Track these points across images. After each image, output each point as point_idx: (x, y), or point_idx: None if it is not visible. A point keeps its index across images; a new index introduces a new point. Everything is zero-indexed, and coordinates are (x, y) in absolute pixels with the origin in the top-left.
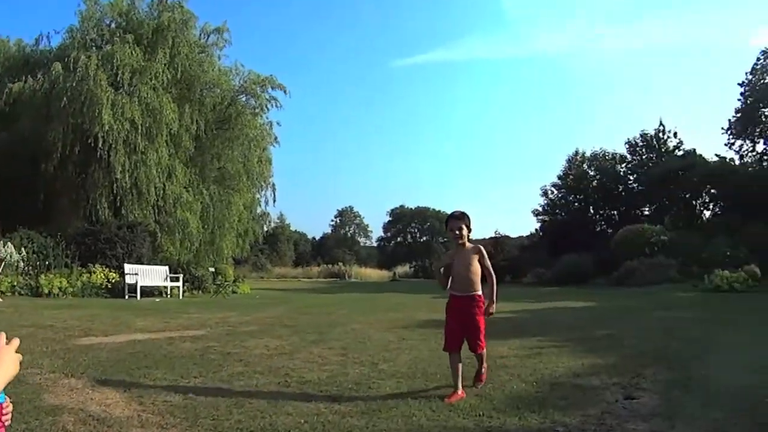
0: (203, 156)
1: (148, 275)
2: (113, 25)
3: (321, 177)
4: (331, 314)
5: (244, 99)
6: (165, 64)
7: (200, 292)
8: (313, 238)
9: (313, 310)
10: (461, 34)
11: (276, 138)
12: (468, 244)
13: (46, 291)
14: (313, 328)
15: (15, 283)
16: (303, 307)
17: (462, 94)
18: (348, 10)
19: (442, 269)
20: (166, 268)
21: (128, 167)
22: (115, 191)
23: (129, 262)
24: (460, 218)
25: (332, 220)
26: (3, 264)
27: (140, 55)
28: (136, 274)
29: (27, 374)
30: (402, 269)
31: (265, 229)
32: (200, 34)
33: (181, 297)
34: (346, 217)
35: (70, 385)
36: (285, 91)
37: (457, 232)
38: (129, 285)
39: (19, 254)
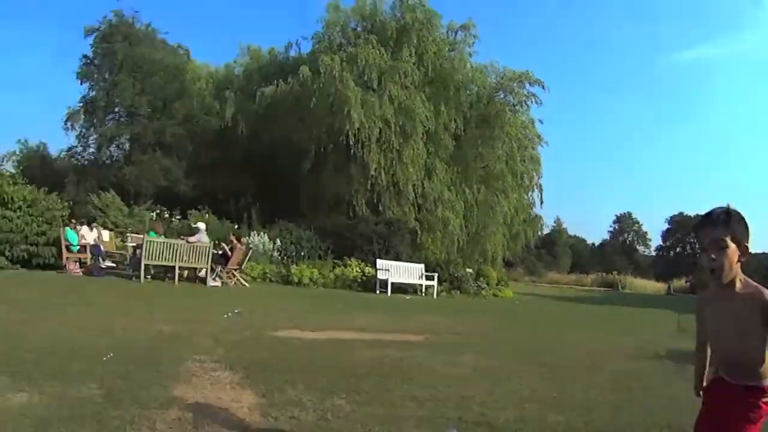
0: (465, 155)
1: (401, 272)
2: (358, 28)
3: (595, 179)
4: (569, 329)
5: (501, 96)
6: (413, 63)
7: (459, 292)
8: (592, 244)
9: (556, 323)
10: None
11: (541, 137)
12: (742, 282)
13: (296, 280)
14: (540, 346)
15: (267, 271)
16: (548, 320)
17: None
18: None
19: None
20: (422, 266)
21: (384, 165)
22: (372, 188)
23: (385, 258)
24: (721, 224)
25: (611, 226)
26: (250, 253)
27: (386, 55)
28: (387, 270)
29: (186, 358)
30: (678, 283)
31: (539, 232)
32: (447, 32)
33: (435, 296)
34: (624, 223)
35: (215, 377)
36: (543, 87)
37: (713, 257)
38: (380, 280)
39: (275, 244)
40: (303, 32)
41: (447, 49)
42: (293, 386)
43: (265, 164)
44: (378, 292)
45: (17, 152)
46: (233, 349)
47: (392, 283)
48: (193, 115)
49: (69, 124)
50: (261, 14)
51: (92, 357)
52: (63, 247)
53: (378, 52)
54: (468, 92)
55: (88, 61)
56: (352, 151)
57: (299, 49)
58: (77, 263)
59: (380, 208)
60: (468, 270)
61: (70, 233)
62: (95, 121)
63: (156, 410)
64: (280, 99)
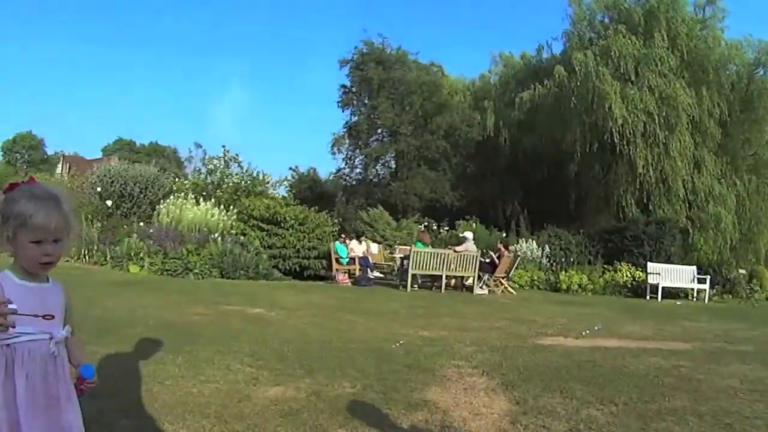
0: (732, 143)
1: (672, 275)
2: (605, 19)
3: None
4: None
5: (761, 73)
6: (666, 48)
7: (731, 296)
8: None
9: None
10: None
11: None
12: None
13: (564, 287)
14: None
15: (535, 278)
16: None
17: None
18: None
19: None
20: (694, 268)
21: (650, 160)
22: (640, 187)
23: (656, 261)
24: None
25: None
26: (518, 260)
27: (637, 44)
28: (658, 273)
29: (444, 363)
30: None
31: None
32: (694, 10)
33: (706, 301)
34: None
35: (470, 383)
36: None
37: None
38: (651, 285)
39: (543, 251)
40: (552, 32)
41: (698, 28)
42: (549, 394)
43: (530, 170)
44: (648, 297)
45: (289, 177)
46: (494, 355)
47: (662, 288)
48: (455, 127)
49: (335, 148)
50: (507, 21)
51: (354, 357)
52: (333, 260)
53: (629, 41)
54: (727, 72)
55: (347, 89)
56: (617, 148)
57: (551, 49)
58: (346, 274)
59: (650, 207)
60: (741, 271)
61: (339, 247)
62: (359, 143)
63: (403, 411)
64: (538, 103)
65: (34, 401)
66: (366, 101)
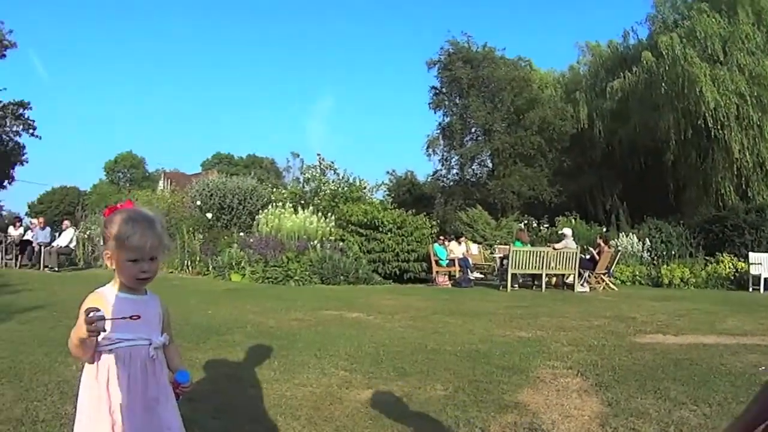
0: None
1: None
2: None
3: None
4: None
5: None
6: (751, 24)
7: None
8: None
9: None
10: None
11: None
12: None
13: (666, 281)
14: None
15: (636, 273)
16: None
17: None
18: None
19: None
20: None
21: (746, 144)
22: (738, 172)
23: (758, 251)
24: None
25: None
26: (618, 255)
27: (722, 21)
28: (760, 263)
29: (539, 364)
30: None
31: None
32: None
33: None
34: None
35: (563, 384)
36: None
37: None
38: (753, 276)
39: (644, 245)
40: (636, 17)
41: None
42: (642, 395)
43: (626, 161)
44: (751, 289)
45: (387, 182)
46: (590, 355)
47: (765, 279)
48: (548, 122)
49: (430, 150)
50: (590, 9)
51: (448, 359)
52: (432, 262)
53: (714, 19)
54: None
55: (437, 91)
56: (711, 133)
57: (636, 35)
58: (446, 276)
59: (749, 193)
60: None
61: (438, 249)
62: (454, 143)
63: (493, 414)
64: (629, 91)
65: (135, 402)
66: (457, 101)
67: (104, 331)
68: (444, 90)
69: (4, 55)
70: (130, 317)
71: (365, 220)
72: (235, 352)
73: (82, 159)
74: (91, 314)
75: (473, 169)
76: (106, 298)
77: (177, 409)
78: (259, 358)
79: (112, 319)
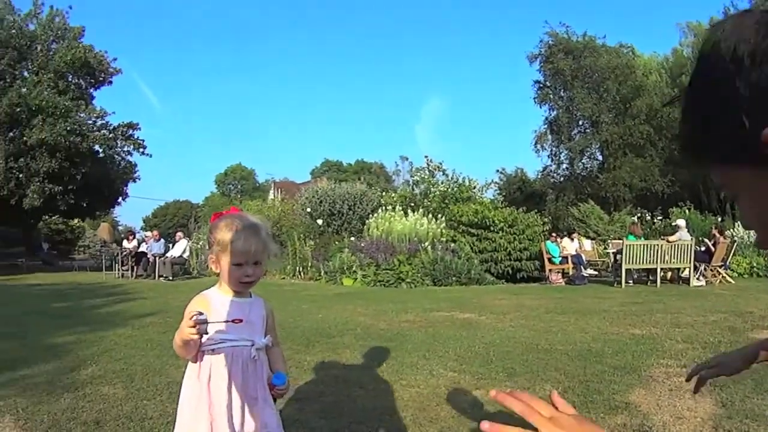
0: None
1: None
2: None
3: None
4: None
5: None
6: None
7: None
8: None
9: None
10: None
11: None
12: None
13: None
14: None
15: (754, 264)
16: None
17: None
18: None
19: None
20: None
21: None
22: None
23: None
24: None
25: None
26: (734, 246)
27: None
28: None
29: (652, 363)
30: None
31: None
32: None
33: None
34: None
35: (676, 383)
36: None
37: None
38: None
39: None
40: None
41: None
42: (759, 396)
43: None
44: None
45: (497, 180)
46: (705, 352)
47: None
48: (656, 109)
49: (538, 146)
50: None
51: (560, 358)
52: (545, 260)
53: None
54: None
55: (541, 84)
56: None
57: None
58: (560, 274)
59: None
60: None
61: (551, 246)
62: (562, 137)
63: (602, 414)
64: None
65: (234, 400)
66: (562, 94)
67: (206, 333)
68: (548, 83)
69: (111, 82)
70: (233, 321)
71: (476, 219)
72: (344, 354)
73: (193, 174)
74: (194, 317)
75: (583, 163)
76: (210, 300)
77: (275, 409)
78: (368, 360)
79: (213, 322)
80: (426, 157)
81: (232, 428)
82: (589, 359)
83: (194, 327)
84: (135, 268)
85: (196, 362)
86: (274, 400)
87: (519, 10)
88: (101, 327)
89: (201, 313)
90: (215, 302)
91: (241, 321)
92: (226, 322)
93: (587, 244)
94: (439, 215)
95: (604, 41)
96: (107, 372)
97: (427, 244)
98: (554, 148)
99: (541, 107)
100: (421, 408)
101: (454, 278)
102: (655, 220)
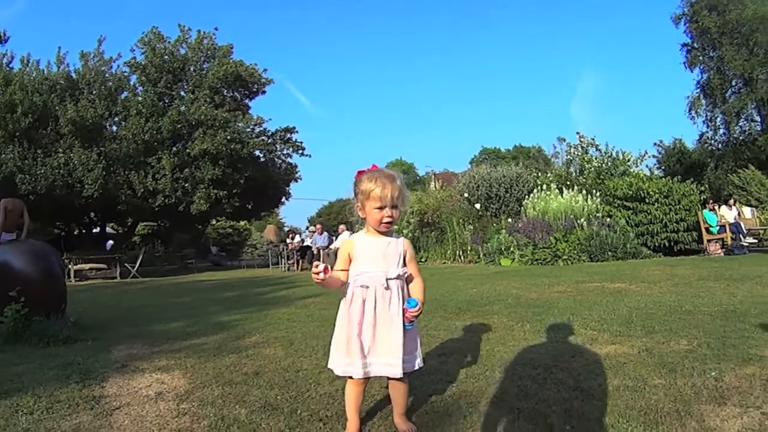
0: None
1: None
2: None
3: None
4: None
5: None
6: None
7: None
8: None
9: None
10: None
11: None
12: None
13: None
14: None
15: None
16: None
17: None
18: None
19: None
20: None
21: None
22: None
23: None
24: None
25: None
26: None
27: None
28: None
29: None
30: None
31: None
32: None
33: None
34: None
35: None
36: None
37: None
38: None
39: None
40: None
41: None
42: None
43: None
44: None
45: (656, 153)
46: None
47: None
48: None
49: (693, 112)
50: None
51: (702, 319)
52: (702, 230)
53: None
54: None
55: (688, 47)
56: None
57: None
58: (718, 244)
59: None
60: None
61: (708, 215)
62: (716, 101)
63: (732, 366)
64: None
65: (367, 320)
66: (711, 54)
67: (326, 278)
68: (695, 44)
69: (264, 92)
70: (324, 270)
71: (630, 192)
72: (491, 319)
73: (355, 171)
74: (318, 268)
75: (740, 126)
76: (354, 241)
77: (402, 330)
78: (513, 323)
79: (326, 271)
80: (578, 133)
81: (361, 343)
82: (730, 318)
83: (318, 274)
84: (300, 261)
85: (346, 293)
86: (410, 322)
87: None
88: (266, 307)
89: (326, 269)
90: (359, 243)
91: (328, 270)
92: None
93: (747, 211)
94: (594, 191)
95: None
96: (269, 338)
97: (582, 220)
98: (709, 113)
99: (692, 71)
100: (555, 359)
101: (609, 253)
102: None
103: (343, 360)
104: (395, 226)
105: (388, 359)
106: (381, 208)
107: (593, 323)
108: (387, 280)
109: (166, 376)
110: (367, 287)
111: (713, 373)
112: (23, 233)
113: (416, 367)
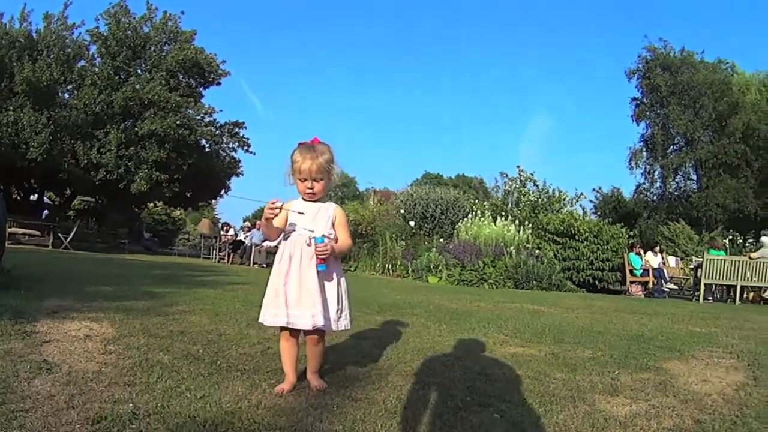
0: None
1: None
2: None
3: None
4: None
5: None
6: None
7: None
8: None
9: None
10: None
11: None
12: None
13: None
14: None
15: None
16: None
17: None
18: None
19: None
20: None
21: None
22: None
23: None
24: None
25: None
26: None
27: None
28: None
29: (701, 349)
30: None
31: None
32: None
33: None
34: None
35: (715, 362)
36: None
37: None
38: None
39: None
40: None
41: None
42: None
43: None
44: None
45: (592, 199)
46: (759, 347)
47: None
48: (753, 128)
49: (632, 163)
50: None
51: (609, 338)
52: (627, 272)
53: None
54: None
55: (637, 101)
56: None
57: None
58: (640, 286)
59: None
60: None
61: (633, 258)
62: (657, 155)
63: (630, 372)
64: None
65: (293, 274)
66: (658, 111)
67: (278, 213)
68: (645, 100)
69: (219, 83)
70: (299, 212)
71: (562, 228)
72: (410, 319)
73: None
74: (274, 201)
75: (676, 182)
76: (292, 203)
77: (317, 279)
78: (430, 323)
79: (287, 209)
80: (518, 167)
81: (286, 294)
82: (637, 340)
83: (272, 208)
84: (231, 255)
85: (278, 247)
86: (322, 263)
87: (619, 26)
88: (194, 287)
89: (278, 200)
90: (295, 203)
91: (303, 213)
92: (293, 211)
93: (672, 260)
94: (527, 223)
95: (703, 56)
96: (195, 309)
97: (512, 248)
98: (648, 166)
99: (638, 124)
100: (466, 353)
101: (535, 282)
102: (747, 243)
103: (270, 311)
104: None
105: (312, 310)
106: (303, 180)
107: (507, 331)
108: (311, 238)
109: (94, 324)
110: (294, 243)
111: (611, 375)
112: None
113: (342, 328)
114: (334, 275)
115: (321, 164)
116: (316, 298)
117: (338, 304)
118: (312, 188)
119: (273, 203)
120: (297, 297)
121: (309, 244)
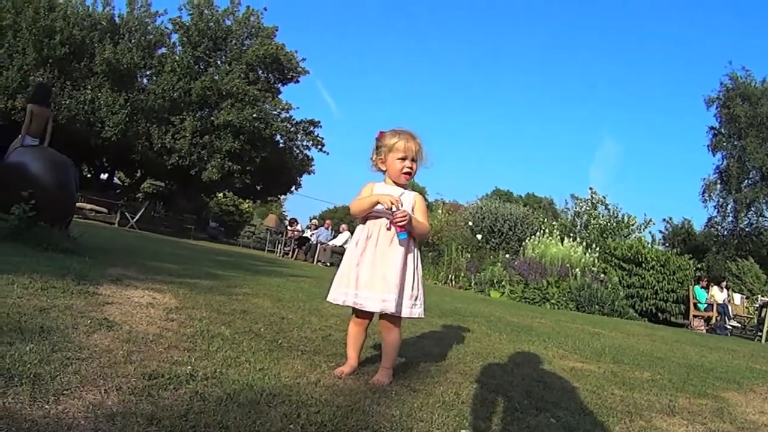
0: None
1: None
2: None
3: None
4: None
5: None
6: None
7: None
8: None
9: None
10: None
11: None
12: None
13: None
14: None
15: None
16: None
17: None
18: None
19: None
20: None
21: None
22: None
23: None
24: None
25: None
26: None
27: None
28: None
29: (758, 384)
30: None
31: None
32: None
33: None
34: None
35: None
36: None
37: None
38: None
39: None
40: None
41: None
42: None
43: None
44: None
45: (663, 230)
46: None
47: None
48: None
49: (706, 195)
50: None
51: (670, 365)
52: (691, 305)
53: None
54: None
55: (715, 131)
56: None
57: None
58: (702, 321)
59: None
60: None
61: (699, 291)
62: (731, 188)
63: (687, 397)
64: None
65: (369, 255)
66: (735, 142)
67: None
68: (722, 130)
69: (298, 81)
70: (398, 205)
71: (629, 254)
72: (471, 326)
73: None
74: (392, 198)
75: (748, 218)
76: (374, 186)
77: (399, 270)
78: (491, 332)
79: (383, 195)
80: (590, 188)
81: (358, 274)
82: (697, 369)
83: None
84: (296, 250)
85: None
86: (402, 232)
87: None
88: (259, 275)
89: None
90: (377, 187)
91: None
92: (395, 203)
93: (737, 298)
94: (595, 246)
95: None
96: (259, 293)
97: (577, 270)
98: (721, 199)
99: (714, 155)
100: (525, 361)
101: (597, 306)
102: None
103: (340, 290)
104: None
105: (384, 295)
106: (403, 159)
107: (566, 347)
108: (391, 222)
109: (157, 294)
110: (374, 225)
111: (669, 396)
112: (45, 142)
113: (416, 315)
114: (411, 261)
115: (420, 145)
116: (391, 283)
117: (414, 290)
118: (411, 168)
119: (397, 199)
120: (368, 278)
121: (389, 229)
